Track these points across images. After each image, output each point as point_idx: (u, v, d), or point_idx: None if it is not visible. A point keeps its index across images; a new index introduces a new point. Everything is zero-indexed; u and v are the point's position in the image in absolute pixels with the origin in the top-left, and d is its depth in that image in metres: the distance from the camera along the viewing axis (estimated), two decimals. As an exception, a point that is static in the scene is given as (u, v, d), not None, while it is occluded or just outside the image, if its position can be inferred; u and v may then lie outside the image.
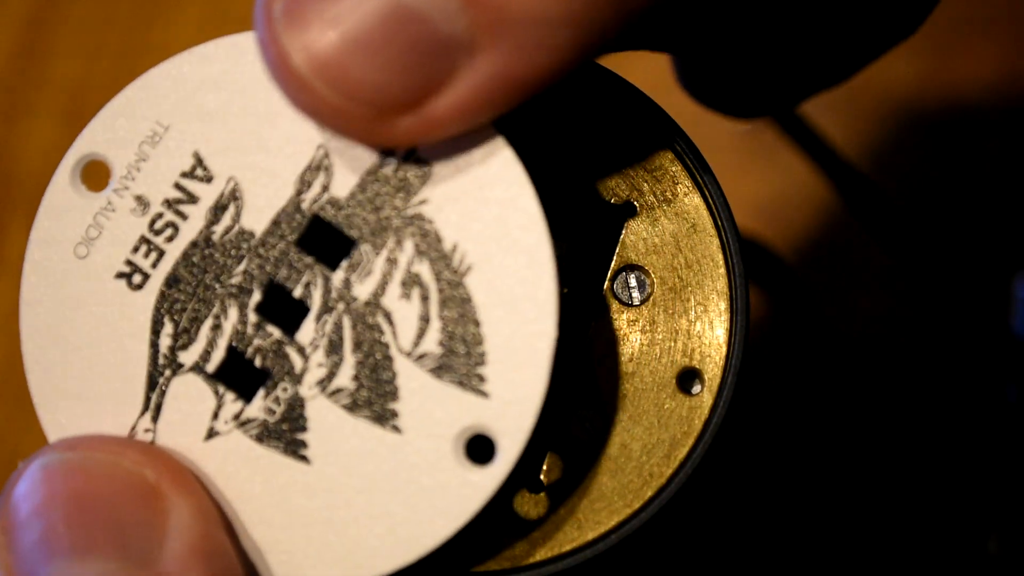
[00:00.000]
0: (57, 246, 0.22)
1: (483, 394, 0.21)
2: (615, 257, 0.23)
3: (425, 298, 0.22)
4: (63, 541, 0.20)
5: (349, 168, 0.22)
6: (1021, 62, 0.49)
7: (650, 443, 0.23)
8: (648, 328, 0.23)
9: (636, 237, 0.23)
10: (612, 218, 0.24)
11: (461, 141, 0.22)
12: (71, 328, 0.22)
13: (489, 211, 0.22)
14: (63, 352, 0.22)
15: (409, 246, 0.22)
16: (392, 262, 0.22)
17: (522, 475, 0.22)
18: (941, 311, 0.42)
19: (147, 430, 0.22)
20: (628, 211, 0.23)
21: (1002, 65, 0.49)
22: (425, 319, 0.22)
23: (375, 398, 0.22)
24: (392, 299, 0.22)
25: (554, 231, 0.21)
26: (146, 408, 0.22)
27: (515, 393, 0.21)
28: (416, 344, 0.22)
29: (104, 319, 0.22)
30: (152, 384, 0.22)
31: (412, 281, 0.22)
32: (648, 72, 0.50)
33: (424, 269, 0.22)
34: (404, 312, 0.22)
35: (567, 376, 0.23)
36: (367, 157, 0.22)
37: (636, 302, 0.23)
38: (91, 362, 0.22)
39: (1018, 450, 0.41)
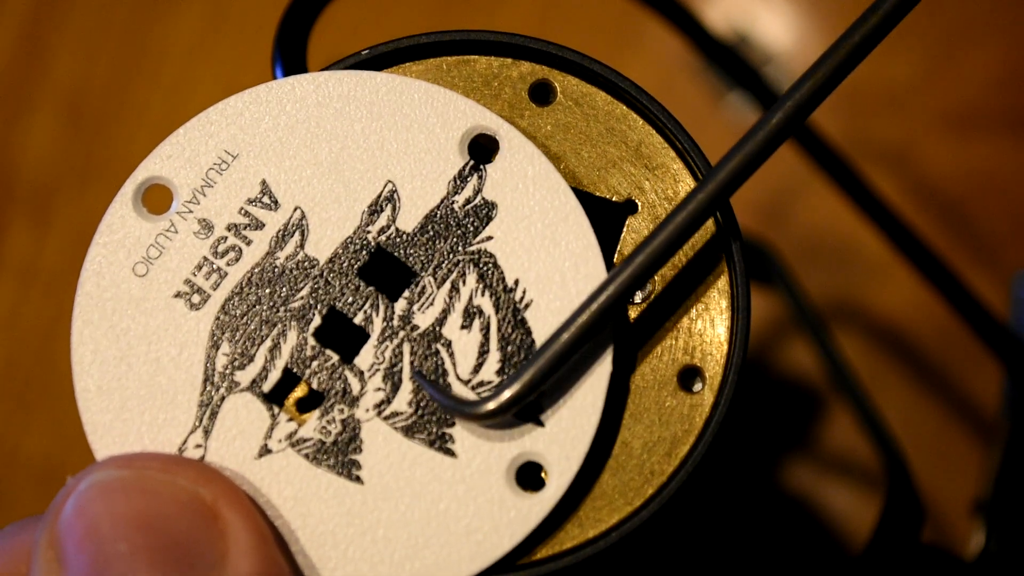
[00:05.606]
0: (116, 263, 0.22)
1: (538, 423, 0.22)
2: (616, 254, 0.23)
3: (485, 329, 0.22)
4: (125, 561, 0.19)
5: (416, 203, 0.23)
6: (1021, 62, 0.49)
7: (651, 441, 0.23)
8: (649, 326, 0.23)
9: (637, 235, 0.23)
10: (614, 216, 0.24)
11: (527, 183, 0.22)
12: (124, 344, 0.22)
13: (552, 250, 0.22)
14: (114, 367, 0.22)
15: (472, 279, 0.22)
16: (455, 294, 0.22)
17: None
18: (941, 310, 0.43)
19: (198, 446, 0.22)
20: (629, 209, 0.23)
21: (1002, 65, 0.49)
22: (485, 349, 0.22)
23: (431, 423, 0.22)
24: (453, 329, 0.22)
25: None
26: (198, 424, 0.22)
27: (570, 423, 0.22)
28: (475, 372, 0.22)
29: (159, 337, 0.22)
30: (205, 401, 0.22)
31: (474, 312, 0.22)
32: (651, 71, 0.50)
33: (486, 302, 0.22)
34: (464, 342, 0.22)
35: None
36: (435, 193, 0.23)
37: (637, 300, 0.23)
38: (142, 378, 0.22)
39: (1017, 450, 0.41)
